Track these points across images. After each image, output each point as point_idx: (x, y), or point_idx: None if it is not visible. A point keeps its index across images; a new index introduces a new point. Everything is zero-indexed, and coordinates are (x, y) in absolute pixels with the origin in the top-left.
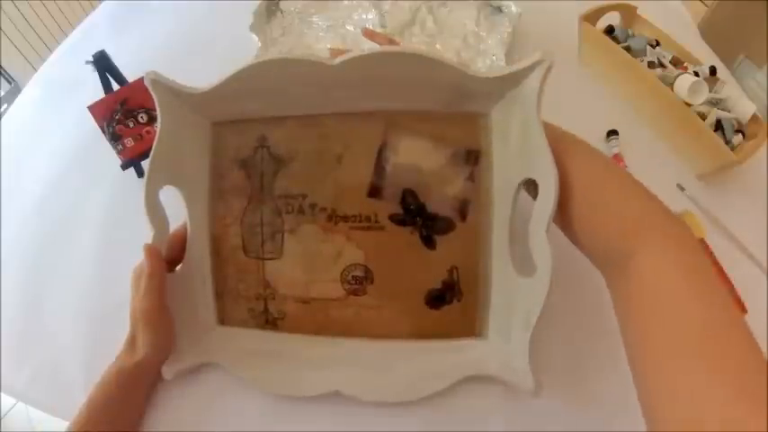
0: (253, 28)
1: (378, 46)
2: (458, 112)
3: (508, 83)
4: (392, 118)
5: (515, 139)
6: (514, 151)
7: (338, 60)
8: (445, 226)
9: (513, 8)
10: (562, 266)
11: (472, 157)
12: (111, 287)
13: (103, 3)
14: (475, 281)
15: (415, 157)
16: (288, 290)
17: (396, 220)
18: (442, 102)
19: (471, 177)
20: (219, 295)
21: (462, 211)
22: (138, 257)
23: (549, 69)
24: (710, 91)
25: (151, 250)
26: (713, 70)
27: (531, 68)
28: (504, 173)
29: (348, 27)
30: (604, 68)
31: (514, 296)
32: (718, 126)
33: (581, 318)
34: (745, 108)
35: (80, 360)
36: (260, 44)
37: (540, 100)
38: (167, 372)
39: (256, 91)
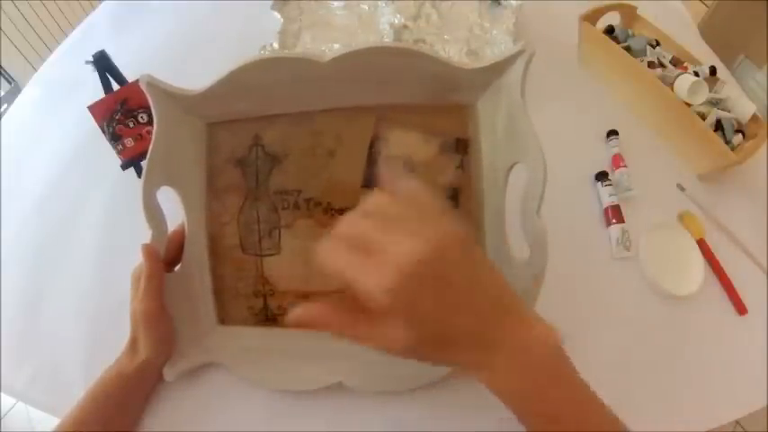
0: (274, 6)
1: (367, 42)
2: (445, 104)
3: (493, 73)
4: (382, 112)
5: (502, 126)
6: (502, 138)
7: (328, 57)
8: None
9: (513, 1)
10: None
11: (461, 146)
12: (111, 287)
13: (103, 3)
14: None
15: (406, 148)
16: (287, 285)
17: None
18: (430, 94)
19: (462, 166)
20: (219, 294)
21: (455, 198)
22: (138, 257)
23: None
24: (710, 91)
25: (149, 251)
26: (713, 70)
27: (514, 58)
28: (493, 159)
29: (363, 6)
30: (604, 68)
31: (511, 280)
32: (718, 126)
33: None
34: (745, 108)
35: (80, 360)
36: (282, 20)
37: (524, 87)
38: (169, 373)
39: (249, 90)
